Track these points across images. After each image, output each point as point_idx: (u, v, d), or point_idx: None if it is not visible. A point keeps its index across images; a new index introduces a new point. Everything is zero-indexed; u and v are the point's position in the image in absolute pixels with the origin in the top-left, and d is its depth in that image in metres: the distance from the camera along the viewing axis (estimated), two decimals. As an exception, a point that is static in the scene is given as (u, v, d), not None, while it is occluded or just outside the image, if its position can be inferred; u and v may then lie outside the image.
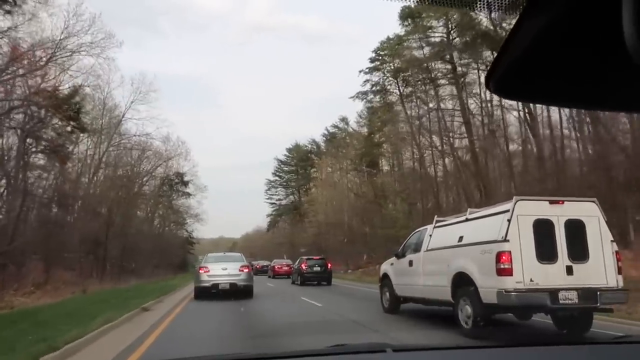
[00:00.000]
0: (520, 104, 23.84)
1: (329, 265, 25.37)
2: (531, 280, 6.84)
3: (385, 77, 39.96)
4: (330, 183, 52.18)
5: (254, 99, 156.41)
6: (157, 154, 43.63)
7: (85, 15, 24.28)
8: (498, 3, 0.76)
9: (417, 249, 9.78)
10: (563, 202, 7.47)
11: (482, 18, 27.07)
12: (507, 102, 26.20)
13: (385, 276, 11.02)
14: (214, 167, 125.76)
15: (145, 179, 44.33)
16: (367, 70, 40.20)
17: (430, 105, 35.13)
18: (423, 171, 36.06)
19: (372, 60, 39.75)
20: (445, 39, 32.30)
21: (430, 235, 9.35)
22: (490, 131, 28.79)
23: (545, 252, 7.00)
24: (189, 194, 51.85)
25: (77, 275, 27.65)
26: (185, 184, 50.29)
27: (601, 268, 7.08)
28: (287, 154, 70.50)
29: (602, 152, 20.37)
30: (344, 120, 53.57)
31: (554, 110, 24.47)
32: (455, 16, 29.94)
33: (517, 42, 0.67)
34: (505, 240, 6.97)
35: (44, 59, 21.95)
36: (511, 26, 0.69)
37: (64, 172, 28.95)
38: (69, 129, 25.60)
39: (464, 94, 31.58)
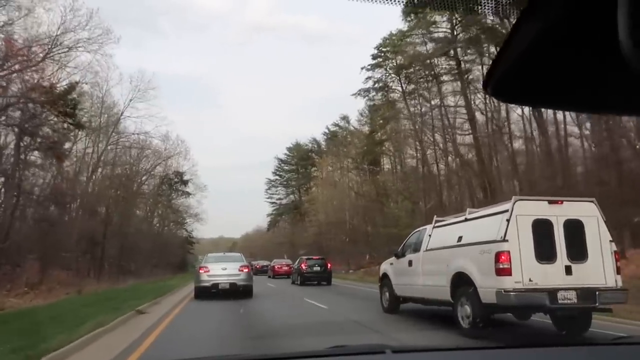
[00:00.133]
0: None
1: (329, 265, 25.39)
2: (530, 280, 6.86)
3: (387, 74, 39.79)
4: (331, 182, 52.01)
5: (254, 99, 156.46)
6: (156, 153, 43.64)
7: (82, 11, 24.02)
8: (496, 7, 0.76)
9: (416, 248, 9.82)
10: (562, 202, 7.50)
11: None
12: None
13: (385, 276, 11.06)
14: (213, 167, 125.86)
15: (144, 177, 44.19)
16: (369, 67, 39.96)
17: (433, 102, 34.82)
18: (426, 169, 35.83)
19: (374, 57, 39.54)
20: (449, 34, 31.95)
21: (430, 235, 9.38)
22: (497, 127, 28.44)
23: (544, 252, 7.03)
24: (188, 194, 51.90)
25: (74, 275, 27.55)
26: (185, 183, 50.26)
27: (600, 268, 7.11)
28: (288, 153, 70.38)
29: (611, 147, 20.19)
30: (345, 118, 53.43)
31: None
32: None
33: (515, 46, 0.68)
34: (504, 240, 6.99)
35: (41, 54, 21.75)
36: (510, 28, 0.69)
37: (61, 170, 28.71)
38: (65, 125, 25.31)
39: (468, 91, 31.09)
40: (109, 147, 36.31)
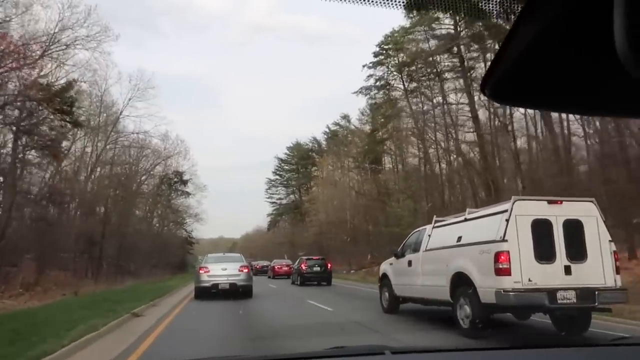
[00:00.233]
0: None
1: (329, 265, 25.37)
2: (529, 280, 6.87)
3: (389, 72, 39.57)
4: (331, 181, 51.87)
5: (254, 99, 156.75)
6: (155, 153, 43.52)
7: (80, 8, 23.96)
8: (494, 9, 0.75)
9: (416, 249, 9.84)
10: (561, 202, 7.52)
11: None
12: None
13: (385, 276, 11.09)
14: (213, 167, 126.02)
15: (143, 177, 44.04)
16: (370, 64, 39.70)
17: (435, 100, 34.72)
18: (429, 168, 35.67)
19: (376, 55, 39.24)
20: (452, 31, 31.70)
21: (429, 236, 9.41)
22: (503, 124, 28.20)
23: (544, 252, 7.05)
24: (188, 193, 51.82)
25: (71, 275, 27.38)
26: (185, 182, 50.17)
27: (599, 268, 7.13)
28: (288, 152, 70.23)
29: (620, 145, 20.09)
30: (345, 117, 53.24)
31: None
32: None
33: (512, 48, 0.68)
34: (503, 240, 7.01)
35: (38, 52, 21.61)
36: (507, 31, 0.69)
37: (59, 169, 28.57)
38: (62, 123, 25.02)
39: (471, 88, 30.81)
40: (107, 147, 36.26)
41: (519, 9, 0.67)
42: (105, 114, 36.12)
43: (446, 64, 34.07)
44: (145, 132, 38.12)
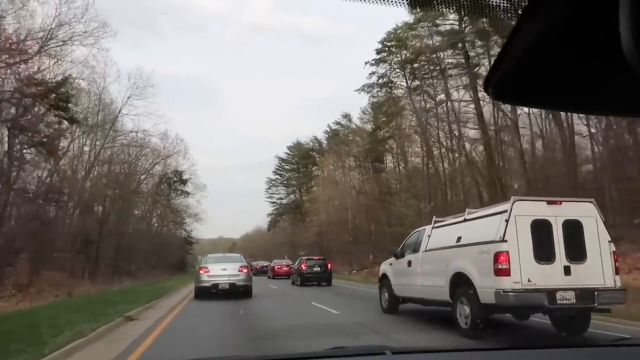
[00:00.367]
0: None
1: (329, 265, 25.34)
2: (529, 281, 6.89)
3: (392, 69, 39.19)
4: (332, 181, 51.68)
5: (253, 99, 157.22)
6: (154, 152, 43.36)
7: (78, 3, 23.96)
8: (498, 8, 0.75)
9: (415, 249, 9.87)
10: (561, 202, 7.55)
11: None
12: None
13: (385, 276, 11.12)
14: (213, 167, 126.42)
15: (142, 176, 43.85)
16: (373, 61, 39.29)
17: (438, 98, 34.43)
18: (432, 166, 35.43)
19: (378, 52, 38.89)
20: (457, 26, 31.36)
21: (429, 236, 9.43)
22: (513, 121, 27.90)
23: (543, 252, 7.07)
24: (187, 193, 51.71)
25: (67, 275, 27.06)
26: (184, 182, 50.03)
27: (599, 268, 7.15)
28: (288, 151, 69.93)
29: (634, 141, 19.94)
30: (346, 116, 52.96)
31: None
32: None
33: (516, 47, 0.67)
34: (503, 240, 7.03)
35: (35, 47, 21.39)
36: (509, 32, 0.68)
37: (56, 168, 28.20)
38: (58, 120, 24.69)
39: (477, 84, 30.44)
40: (106, 145, 36.09)
41: (523, 7, 0.66)
42: (103, 112, 36.01)
43: (450, 60, 33.80)
44: (145, 131, 38.02)
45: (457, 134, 32.14)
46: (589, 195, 18.95)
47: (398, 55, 37.97)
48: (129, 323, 10.04)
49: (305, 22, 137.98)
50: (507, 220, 7.15)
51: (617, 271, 7.34)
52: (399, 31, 36.25)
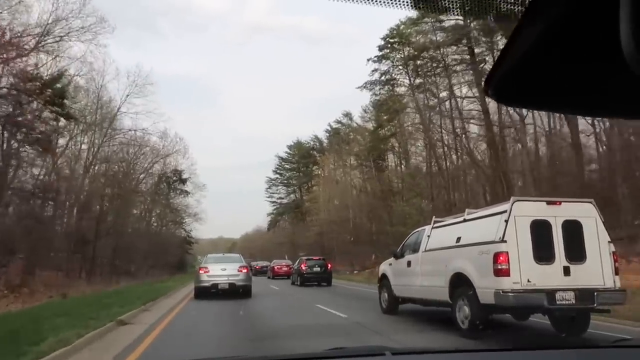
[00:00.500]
0: None
1: (329, 265, 25.34)
2: (528, 281, 6.90)
3: (394, 66, 38.95)
4: (333, 180, 51.52)
5: (253, 99, 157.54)
6: (154, 150, 43.27)
7: None
8: (498, 10, 0.74)
9: (415, 249, 9.90)
10: (560, 202, 7.57)
11: None
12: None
13: (384, 276, 11.15)
14: (212, 167, 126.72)
15: (142, 175, 43.66)
16: (375, 58, 39.00)
17: (442, 95, 34.31)
18: (435, 164, 35.22)
19: (380, 48, 38.65)
20: (461, 21, 31.02)
21: (429, 236, 9.45)
22: (521, 118, 27.65)
23: (543, 252, 7.09)
24: (187, 192, 51.58)
25: (64, 276, 26.80)
26: (184, 181, 49.91)
27: (598, 269, 7.18)
28: (289, 151, 69.80)
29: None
30: (347, 115, 52.78)
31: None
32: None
33: (516, 49, 0.67)
34: (502, 240, 7.05)
35: (31, 43, 21.18)
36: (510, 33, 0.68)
37: (55, 166, 27.96)
38: (54, 116, 24.29)
39: (482, 81, 30.04)
40: (104, 144, 36.03)
41: (523, 9, 0.66)
42: (102, 111, 35.86)
43: (454, 57, 33.54)
44: (144, 130, 37.98)
45: (459, 132, 31.81)
46: (597, 194, 18.86)
47: (401, 52, 37.77)
48: (121, 328, 9.38)
49: (305, 22, 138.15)
50: (506, 221, 7.17)
51: (616, 271, 7.37)
52: (402, 27, 36.03)
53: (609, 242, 7.44)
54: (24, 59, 20.17)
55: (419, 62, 35.68)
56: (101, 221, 34.35)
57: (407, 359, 1.95)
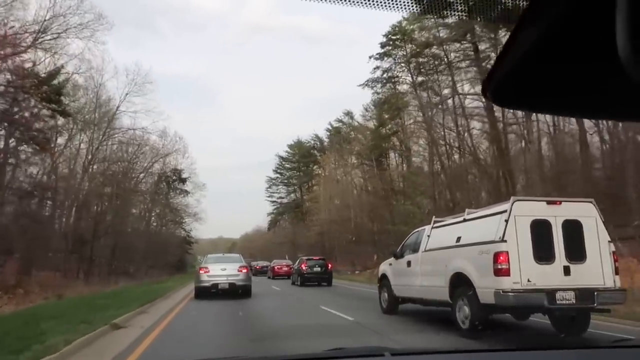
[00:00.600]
0: None
1: (329, 265, 25.33)
2: (528, 281, 6.92)
3: (396, 63, 38.71)
4: (334, 179, 51.39)
5: (253, 99, 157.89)
6: (153, 150, 43.25)
7: None
8: (496, 13, 0.75)
9: (415, 249, 9.92)
10: (560, 202, 7.60)
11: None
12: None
13: (384, 277, 11.19)
14: (212, 167, 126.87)
15: (141, 175, 43.49)
16: (377, 55, 38.73)
17: (444, 93, 34.12)
18: (439, 163, 35.06)
19: (382, 45, 38.40)
20: (466, 17, 30.80)
21: (429, 236, 9.46)
22: (527, 114, 27.49)
23: (543, 252, 7.12)
24: (187, 192, 51.53)
25: (61, 276, 26.61)
26: (183, 181, 49.82)
27: (598, 268, 7.20)
28: (289, 150, 69.64)
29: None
30: (348, 114, 52.61)
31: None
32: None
33: (514, 51, 0.67)
34: (502, 240, 7.06)
35: (28, 39, 20.98)
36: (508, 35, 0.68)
37: (52, 164, 27.76)
38: (50, 113, 23.93)
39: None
40: (103, 143, 35.95)
41: (521, 12, 0.66)
42: (100, 110, 35.69)
43: (457, 54, 33.36)
44: (143, 129, 37.94)
45: (462, 130, 31.57)
46: (606, 193, 18.67)
47: (403, 49, 37.61)
48: (115, 332, 8.85)
49: (305, 23, 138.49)
50: (506, 221, 7.20)
51: (616, 271, 7.39)
52: (404, 24, 35.85)
53: (609, 241, 7.47)
54: (22, 56, 19.96)
55: (421, 59, 35.49)
56: (99, 221, 34.28)
57: (406, 359, 1.95)
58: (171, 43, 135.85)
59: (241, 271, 16.05)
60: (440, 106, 33.73)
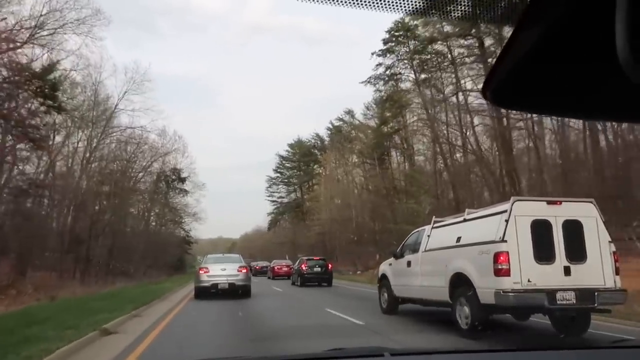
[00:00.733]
0: None
1: (330, 266, 25.34)
2: (529, 281, 6.94)
3: (399, 60, 38.43)
4: (334, 178, 51.27)
5: (253, 99, 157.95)
6: (152, 149, 43.17)
7: None
8: (495, 14, 0.75)
9: (415, 249, 9.95)
10: (561, 202, 7.62)
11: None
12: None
13: (384, 277, 11.23)
14: (212, 168, 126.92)
15: (140, 174, 43.35)
16: (380, 52, 38.45)
17: (448, 90, 34.00)
18: (442, 161, 34.90)
19: (385, 42, 38.11)
20: (469, 10, 30.58)
21: (429, 236, 9.47)
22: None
23: (543, 252, 7.14)
24: (186, 191, 51.43)
25: (57, 276, 26.39)
26: (183, 180, 49.68)
27: (599, 269, 7.22)
28: (289, 149, 69.55)
29: None
30: (349, 113, 52.37)
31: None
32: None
33: (513, 53, 0.68)
34: (502, 240, 7.08)
35: (24, 34, 20.71)
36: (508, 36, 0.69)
37: (45, 161, 27.57)
38: (45, 108, 23.52)
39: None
40: (102, 141, 35.73)
41: (520, 13, 0.67)
42: (100, 107, 35.48)
43: (460, 50, 33.24)
44: (142, 127, 37.90)
45: (465, 127, 31.39)
46: (615, 192, 18.47)
47: (406, 46, 37.39)
48: (104, 339, 8.17)
49: (305, 23, 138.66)
50: (507, 221, 7.22)
51: (617, 271, 7.40)
52: (407, 19, 35.33)
53: (609, 241, 7.48)
54: (17, 51, 19.67)
55: (424, 56, 35.33)
56: (96, 220, 34.15)
57: (406, 359, 1.96)
58: (171, 44, 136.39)
59: (241, 271, 16.19)
60: (443, 103, 33.55)
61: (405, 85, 39.41)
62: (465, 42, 32.27)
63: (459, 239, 8.39)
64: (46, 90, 22.49)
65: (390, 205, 38.09)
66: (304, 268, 24.69)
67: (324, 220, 48.50)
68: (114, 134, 37.03)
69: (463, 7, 0.79)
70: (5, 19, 19.62)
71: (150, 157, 43.90)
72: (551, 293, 6.91)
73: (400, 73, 39.17)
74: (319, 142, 64.38)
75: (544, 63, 0.68)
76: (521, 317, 7.94)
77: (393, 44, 37.98)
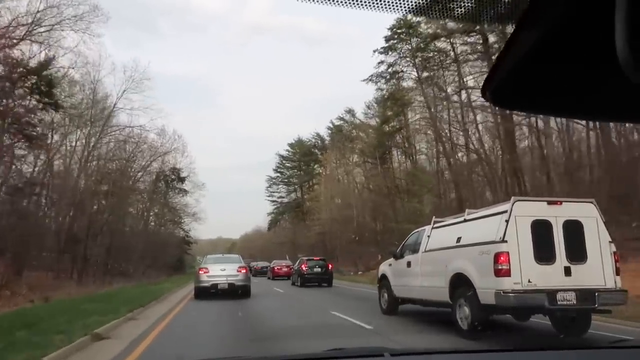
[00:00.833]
0: None
1: (330, 266, 25.36)
2: (529, 281, 6.95)
3: (401, 57, 38.18)
4: (335, 178, 51.18)
5: (253, 99, 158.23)
6: (152, 148, 43.00)
7: None
8: (495, 14, 0.76)
9: (415, 249, 9.97)
10: (561, 202, 7.64)
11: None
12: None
13: (384, 277, 11.26)
14: (212, 168, 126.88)
15: (139, 174, 43.23)
16: (381, 49, 38.20)
17: (450, 88, 33.96)
18: (444, 159, 34.84)
19: (387, 40, 37.80)
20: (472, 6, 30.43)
21: (429, 236, 9.48)
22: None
23: (544, 253, 7.16)
24: (186, 191, 51.38)
25: (54, 277, 26.13)
26: (182, 180, 49.61)
27: (599, 269, 7.24)
28: (289, 149, 69.43)
29: None
30: (350, 112, 52.10)
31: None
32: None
33: (513, 53, 0.68)
34: (503, 241, 7.10)
35: (20, 30, 20.48)
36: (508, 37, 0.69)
37: (42, 159, 27.37)
38: (41, 105, 23.15)
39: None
40: (100, 140, 35.51)
41: (520, 13, 0.67)
42: (98, 106, 35.21)
43: (464, 48, 33.12)
44: (141, 126, 37.74)
45: (467, 126, 31.27)
46: (622, 192, 18.32)
47: (408, 43, 37.13)
48: (95, 345, 7.68)
49: (305, 23, 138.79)
50: (507, 221, 7.25)
51: (617, 272, 7.43)
52: (409, 16, 35.49)
53: (610, 242, 7.48)
54: (14, 48, 19.40)
55: (426, 54, 35.20)
56: (94, 219, 33.99)
57: (406, 359, 1.96)
58: (171, 43, 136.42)
59: (240, 271, 16.29)
60: (445, 102, 33.44)
61: (407, 83, 39.40)
62: (469, 40, 32.24)
63: (459, 239, 8.42)
64: (42, 86, 22.16)
65: (392, 204, 38.06)
66: (304, 268, 24.70)
67: (324, 220, 48.49)
68: (113, 132, 36.94)
69: (463, 8, 0.79)
70: (0, 17, 19.50)
71: (150, 157, 43.90)
72: (551, 293, 6.94)
73: (402, 71, 39.07)
74: (319, 142, 64.39)
75: (544, 63, 0.68)
76: (521, 317, 7.96)
77: (395, 41, 37.76)
